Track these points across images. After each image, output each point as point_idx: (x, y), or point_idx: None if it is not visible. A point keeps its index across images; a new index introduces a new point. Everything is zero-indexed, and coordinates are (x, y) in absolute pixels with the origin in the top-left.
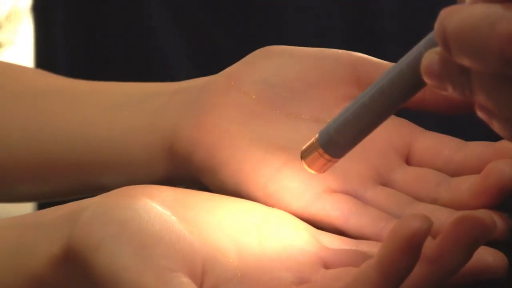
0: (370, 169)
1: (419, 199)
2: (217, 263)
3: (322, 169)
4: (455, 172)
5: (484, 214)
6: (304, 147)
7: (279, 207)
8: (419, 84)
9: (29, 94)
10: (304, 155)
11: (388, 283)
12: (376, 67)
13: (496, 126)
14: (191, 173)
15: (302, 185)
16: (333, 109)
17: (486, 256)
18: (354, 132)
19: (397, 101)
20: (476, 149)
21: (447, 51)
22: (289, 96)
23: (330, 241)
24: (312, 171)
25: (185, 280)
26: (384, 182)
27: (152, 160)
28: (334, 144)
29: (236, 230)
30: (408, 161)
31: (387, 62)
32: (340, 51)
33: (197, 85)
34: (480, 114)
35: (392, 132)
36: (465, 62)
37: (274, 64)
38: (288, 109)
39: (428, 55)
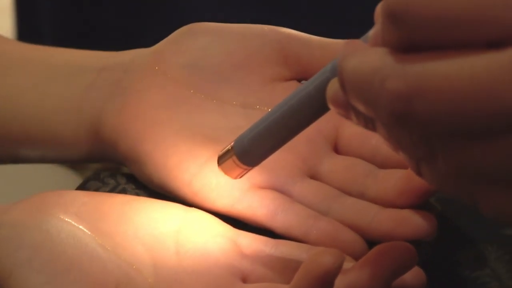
0: (298, 159)
1: (347, 191)
2: (131, 283)
3: (238, 176)
4: (382, 164)
5: (409, 219)
6: (220, 153)
7: (205, 205)
8: (327, 106)
9: None
10: (221, 161)
11: None
12: (304, 45)
13: (403, 159)
14: (119, 160)
15: (228, 182)
16: (260, 93)
17: (405, 275)
18: (267, 145)
19: (307, 120)
20: None
21: (344, 92)
22: (215, 80)
23: (248, 243)
24: (229, 177)
25: None
26: (312, 173)
27: (79, 142)
28: (248, 155)
29: (153, 239)
30: (335, 148)
31: (316, 38)
32: (266, 27)
33: (123, 62)
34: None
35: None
36: (360, 108)
37: (200, 44)
38: (215, 94)
39: (333, 84)
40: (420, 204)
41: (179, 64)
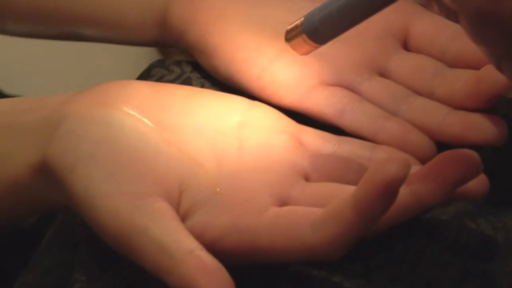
0: (366, 56)
1: (415, 90)
2: (194, 180)
3: (305, 53)
4: (451, 63)
5: (479, 124)
6: (288, 27)
7: (272, 100)
8: None
9: None
10: (289, 37)
11: (363, 222)
12: None
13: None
14: (185, 49)
15: (296, 78)
16: None
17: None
18: (338, 25)
19: (380, 2)
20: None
21: None
22: None
23: (312, 139)
24: (296, 53)
25: (161, 204)
26: (381, 71)
27: (146, 28)
28: (318, 33)
29: (215, 134)
30: (405, 46)
31: None
32: None
33: None
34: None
35: (389, 14)
36: (447, 1)
37: None
38: None
39: None
40: (489, 106)
41: None
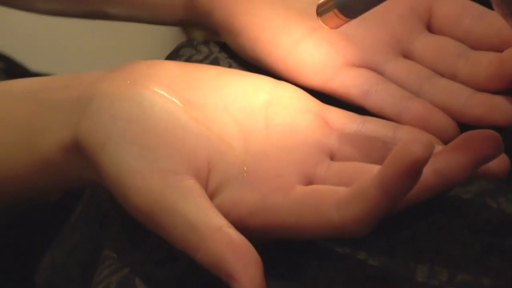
0: (391, 37)
1: (439, 71)
2: (222, 158)
3: (336, 26)
4: (474, 45)
5: (501, 106)
6: (320, 2)
7: (298, 81)
8: None
9: None
10: (320, 11)
11: (387, 201)
12: None
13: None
14: (211, 28)
15: (322, 59)
16: None
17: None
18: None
19: None
20: (495, 23)
21: None
22: None
23: (336, 118)
24: (327, 27)
25: (190, 182)
26: (405, 51)
27: (174, 7)
28: (350, 7)
29: (243, 113)
30: (429, 27)
31: None
32: None
33: None
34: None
35: None
36: None
37: None
38: None
39: None
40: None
41: None
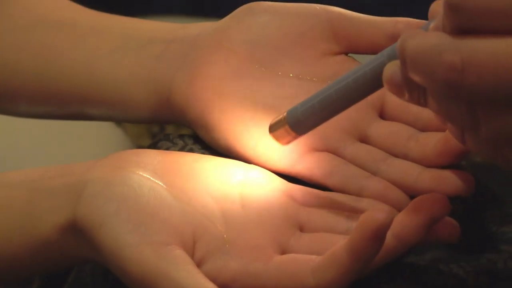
0: (349, 125)
1: (392, 153)
2: (206, 231)
3: (287, 143)
4: (423, 128)
5: (449, 179)
6: (272, 122)
7: (267, 166)
8: (379, 86)
9: (36, 27)
10: (272, 129)
11: (358, 265)
12: (353, 22)
13: (449, 130)
14: (186, 123)
15: (288, 146)
16: (313, 66)
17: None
18: (319, 117)
19: (358, 97)
20: None
21: (404, 68)
22: (273, 55)
23: (303, 195)
24: (279, 144)
25: (179, 252)
26: (362, 137)
27: (149, 106)
28: (301, 124)
29: (220, 193)
30: (381, 114)
31: (364, 16)
32: (318, 6)
33: (190, 35)
34: (435, 116)
35: None
36: (418, 80)
37: (260, 22)
38: (273, 67)
39: (390, 66)
40: (456, 164)
41: (241, 40)
